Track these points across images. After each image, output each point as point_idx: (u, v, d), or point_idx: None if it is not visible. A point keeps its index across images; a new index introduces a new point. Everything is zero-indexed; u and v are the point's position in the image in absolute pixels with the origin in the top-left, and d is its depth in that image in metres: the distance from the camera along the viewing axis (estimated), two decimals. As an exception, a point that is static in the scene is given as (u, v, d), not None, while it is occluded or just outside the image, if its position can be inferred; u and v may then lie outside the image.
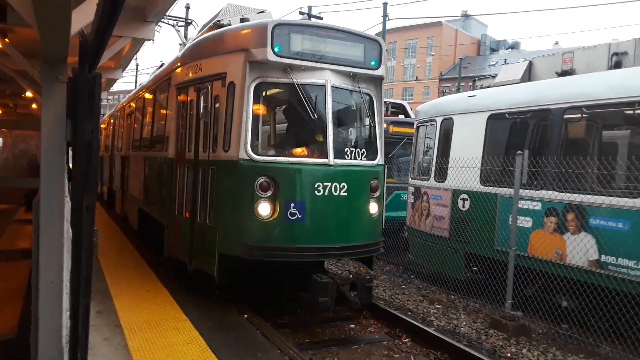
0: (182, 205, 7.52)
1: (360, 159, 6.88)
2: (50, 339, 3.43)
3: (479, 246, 8.59)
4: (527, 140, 8.29)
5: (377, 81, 7.22)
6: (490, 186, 8.44)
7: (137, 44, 10.42)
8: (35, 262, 3.44)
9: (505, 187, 7.99)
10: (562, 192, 7.25)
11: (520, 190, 7.45)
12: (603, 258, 6.71)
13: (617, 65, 7.65)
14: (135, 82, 36.10)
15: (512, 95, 8.73)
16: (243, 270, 6.79)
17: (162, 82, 9.34)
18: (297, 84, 6.35)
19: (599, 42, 8.25)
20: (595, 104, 7.19)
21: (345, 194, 6.43)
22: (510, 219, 7.62)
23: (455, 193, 9.22)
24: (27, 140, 24.40)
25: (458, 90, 38.64)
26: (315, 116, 6.48)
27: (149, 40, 9.28)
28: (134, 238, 11.16)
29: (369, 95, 7.13)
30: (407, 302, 8.52)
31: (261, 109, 6.71)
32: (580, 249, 6.97)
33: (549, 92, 7.96)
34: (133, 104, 13.03)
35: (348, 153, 6.77)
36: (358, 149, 6.92)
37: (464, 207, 9.01)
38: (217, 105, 6.80)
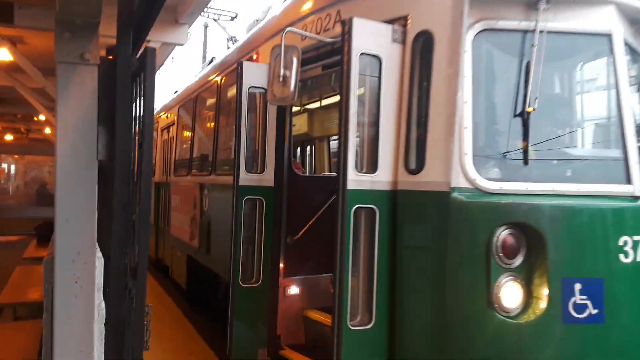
0: None
1: None
2: None
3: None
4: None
5: None
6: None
7: (166, 50, 8.99)
8: (47, 355, 2.13)
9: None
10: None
11: None
12: None
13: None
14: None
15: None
16: None
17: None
18: (559, 32, 3.29)
19: None
20: None
21: None
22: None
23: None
24: (40, 167, 23.50)
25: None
26: (596, 99, 3.69)
27: (181, 45, 7.99)
28: (180, 298, 8.30)
29: None
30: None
31: (486, 84, 3.51)
32: None
33: None
34: (172, 114, 9.83)
35: None
36: None
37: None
38: (381, 85, 3.53)
